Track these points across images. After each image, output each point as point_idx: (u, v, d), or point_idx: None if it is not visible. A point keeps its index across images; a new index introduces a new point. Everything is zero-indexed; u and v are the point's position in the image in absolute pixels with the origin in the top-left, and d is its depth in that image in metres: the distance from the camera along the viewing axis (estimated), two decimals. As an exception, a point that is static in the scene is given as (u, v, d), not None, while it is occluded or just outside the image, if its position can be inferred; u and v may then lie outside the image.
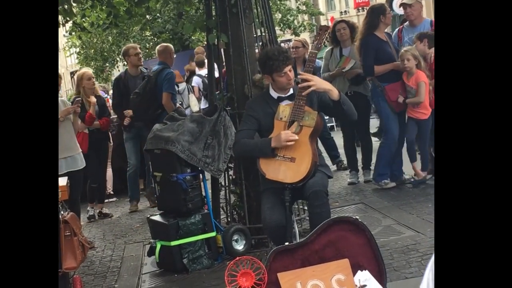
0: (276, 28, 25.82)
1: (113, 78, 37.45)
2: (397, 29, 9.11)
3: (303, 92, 5.40)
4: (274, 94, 5.70)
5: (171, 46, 10.01)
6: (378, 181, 8.50)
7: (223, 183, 7.29)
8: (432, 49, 8.19)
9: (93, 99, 9.33)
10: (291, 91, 5.68)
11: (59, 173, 6.87)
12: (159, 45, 10.18)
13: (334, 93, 5.48)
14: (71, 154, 7.89)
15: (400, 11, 13.87)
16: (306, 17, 31.11)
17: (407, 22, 8.89)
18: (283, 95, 5.67)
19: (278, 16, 27.83)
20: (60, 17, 8.98)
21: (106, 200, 11.11)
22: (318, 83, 5.48)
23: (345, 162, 10.13)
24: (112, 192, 11.33)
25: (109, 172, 11.27)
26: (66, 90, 43.77)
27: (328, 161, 10.08)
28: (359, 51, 8.39)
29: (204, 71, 13.04)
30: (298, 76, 5.58)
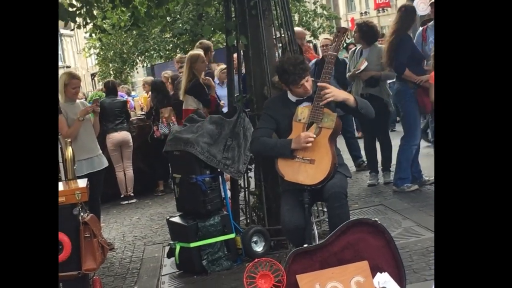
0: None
1: (133, 80, 37.65)
2: (421, 29, 9.01)
3: (321, 102, 5.39)
4: (292, 98, 5.68)
5: None
6: (400, 185, 8.42)
7: (242, 185, 7.29)
8: None
9: (212, 82, 9.30)
10: (311, 91, 5.65)
11: (80, 174, 6.88)
12: None
13: (351, 101, 5.47)
14: (91, 156, 7.85)
15: (421, 11, 13.79)
16: (325, 18, 31.01)
17: (432, 22, 8.81)
18: (301, 98, 5.65)
19: (296, 18, 27.76)
20: (80, 19, 9.01)
21: (125, 202, 11.17)
22: (336, 93, 5.43)
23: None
24: (132, 194, 11.35)
25: (130, 173, 11.31)
26: (87, 91, 43.93)
27: (350, 161, 10.08)
28: (392, 49, 8.29)
29: None
30: (317, 85, 5.53)
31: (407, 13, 8.42)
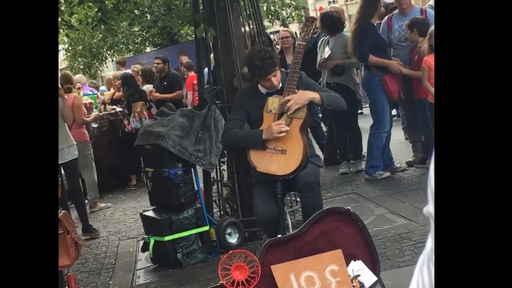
0: (265, 20, 25.82)
1: (103, 74, 37.39)
2: (386, 17, 9.07)
3: (289, 112, 5.40)
4: (262, 90, 5.68)
5: None
6: (372, 173, 8.45)
7: (215, 177, 7.29)
8: (423, 39, 8.08)
9: None
10: (279, 85, 5.66)
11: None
12: None
13: (317, 99, 5.47)
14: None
15: (388, -1, 13.83)
16: (293, 8, 31.07)
17: (397, 10, 8.85)
18: (272, 91, 5.64)
19: (264, 8, 27.77)
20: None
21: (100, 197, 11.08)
22: (299, 100, 5.42)
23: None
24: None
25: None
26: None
27: (318, 151, 10.11)
28: (355, 38, 8.32)
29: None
30: (281, 101, 5.52)
31: (369, 1, 8.42)
